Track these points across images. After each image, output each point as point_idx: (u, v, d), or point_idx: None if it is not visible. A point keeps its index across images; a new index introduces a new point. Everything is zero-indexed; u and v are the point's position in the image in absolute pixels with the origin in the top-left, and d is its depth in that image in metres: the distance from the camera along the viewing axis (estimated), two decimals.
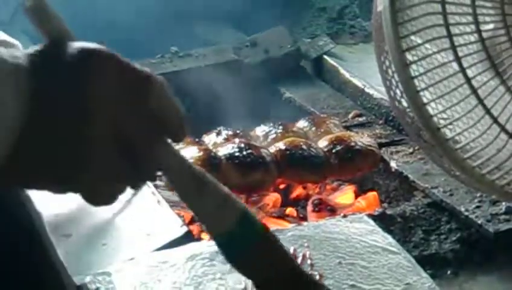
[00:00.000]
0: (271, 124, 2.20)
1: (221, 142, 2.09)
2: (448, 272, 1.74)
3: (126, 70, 0.74)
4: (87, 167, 0.73)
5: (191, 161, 1.90)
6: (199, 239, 1.78)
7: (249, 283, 1.43)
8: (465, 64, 1.51)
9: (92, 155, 0.72)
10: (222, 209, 0.82)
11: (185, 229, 1.73)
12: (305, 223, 1.71)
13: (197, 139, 2.12)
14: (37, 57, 0.73)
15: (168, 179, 0.79)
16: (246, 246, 0.84)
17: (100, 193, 0.76)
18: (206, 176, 0.82)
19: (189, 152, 1.98)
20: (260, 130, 2.19)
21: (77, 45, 0.74)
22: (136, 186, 0.78)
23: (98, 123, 0.72)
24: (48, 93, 0.72)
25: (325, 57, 2.88)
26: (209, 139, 2.14)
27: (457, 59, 1.50)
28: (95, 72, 0.73)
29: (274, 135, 2.14)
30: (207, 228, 0.82)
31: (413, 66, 1.50)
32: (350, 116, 2.48)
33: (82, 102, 0.72)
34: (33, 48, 0.74)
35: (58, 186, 0.76)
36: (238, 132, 2.16)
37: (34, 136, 0.72)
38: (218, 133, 2.15)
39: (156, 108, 0.75)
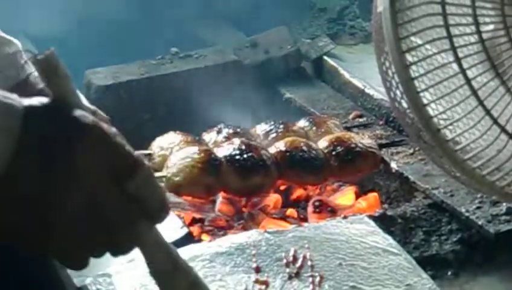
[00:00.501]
0: (272, 123, 2.18)
1: (221, 141, 2.08)
2: (449, 273, 1.74)
3: (115, 152, 0.75)
4: (54, 233, 0.73)
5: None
6: (199, 241, 1.78)
7: (250, 284, 1.43)
8: (465, 65, 1.51)
9: (60, 222, 0.72)
10: (192, 289, 0.83)
11: (185, 230, 1.73)
12: (305, 224, 1.71)
13: (197, 137, 2.11)
14: (36, 109, 0.73)
15: (143, 255, 0.80)
16: None
17: (73, 258, 0.76)
18: (180, 256, 0.84)
19: (190, 152, 1.97)
20: (261, 129, 2.17)
21: (78, 113, 0.74)
22: (113, 255, 0.78)
23: (73, 191, 0.72)
24: (33, 148, 0.71)
25: (325, 57, 2.87)
26: (210, 137, 2.13)
27: (458, 60, 1.50)
28: (84, 146, 0.73)
29: (275, 134, 2.13)
30: None
31: (413, 67, 1.50)
32: (350, 117, 2.48)
33: (64, 167, 0.72)
34: (36, 99, 0.74)
35: (30, 248, 0.76)
36: (238, 130, 2.15)
37: (6, 191, 0.71)
38: (219, 131, 2.13)
39: (137, 191, 0.77)
